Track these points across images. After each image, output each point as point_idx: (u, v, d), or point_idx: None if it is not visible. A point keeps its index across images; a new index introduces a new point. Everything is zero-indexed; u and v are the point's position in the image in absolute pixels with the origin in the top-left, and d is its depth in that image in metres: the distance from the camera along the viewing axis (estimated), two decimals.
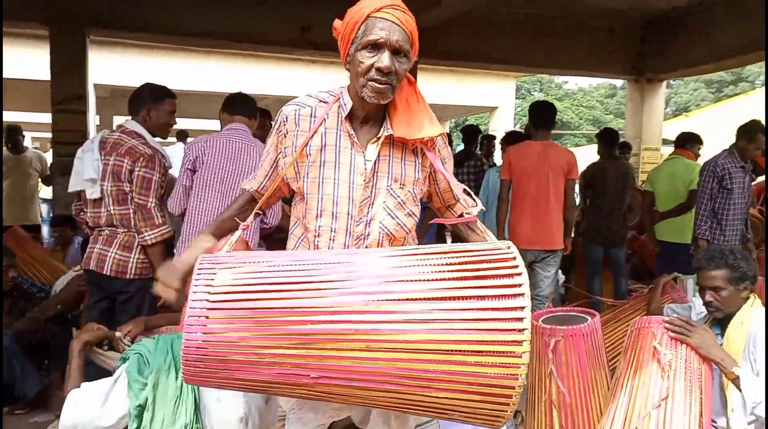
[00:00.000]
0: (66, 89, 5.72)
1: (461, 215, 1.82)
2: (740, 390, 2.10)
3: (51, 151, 6.61)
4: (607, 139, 5.42)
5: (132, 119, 3.01)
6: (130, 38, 7.43)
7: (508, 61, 7.71)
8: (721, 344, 2.34)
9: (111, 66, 8.93)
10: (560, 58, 7.64)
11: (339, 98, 1.67)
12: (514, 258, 1.34)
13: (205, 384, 1.45)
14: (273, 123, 1.76)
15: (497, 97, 12.26)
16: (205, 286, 1.32)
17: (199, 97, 11.09)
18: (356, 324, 1.28)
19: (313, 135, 1.64)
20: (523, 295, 1.27)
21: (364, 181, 1.64)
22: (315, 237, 1.66)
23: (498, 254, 1.36)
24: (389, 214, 1.67)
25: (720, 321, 2.46)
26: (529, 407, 2.64)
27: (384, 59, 1.52)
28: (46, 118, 12.28)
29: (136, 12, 5.88)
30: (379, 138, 1.65)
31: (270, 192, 1.78)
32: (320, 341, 1.29)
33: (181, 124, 12.60)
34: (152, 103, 3.00)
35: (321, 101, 1.69)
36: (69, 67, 5.74)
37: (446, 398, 1.32)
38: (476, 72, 10.48)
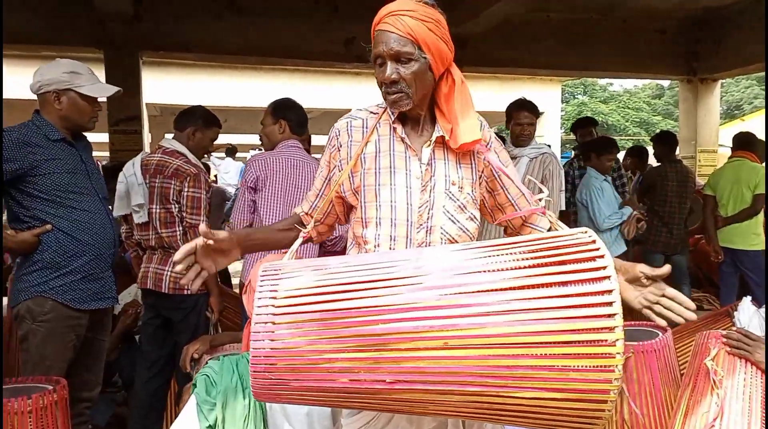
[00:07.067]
0: (122, 110, 5.88)
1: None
2: None
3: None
4: (666, 142, 5.27)
5: (174, 136, 3.11)
6: (177, 58, 7.61)
7: (553, 66, 7.60)
8: None
9: (161, 85, 9.15)
10: (608, 61, 7.49)
11: (387, 108, 1.66)
12: (594, 241, 1.25)
13: (275, 399, 1.36)
14: (327, 142, 1.74)
15: (543, 102, 11.98)
16: (270, 291, 1.27)
17: (246, 113, 11.28)
18: (431, 320, 1.19)
19: (366, 143, 1.64)
20: (609, 277, 1.17)
21: (421, 184, 1.60)
22: (375, 247, 1.61)
23: (575, 239, 1.27)
24: (450, 218, 1.61)
25: None
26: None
27: (385, 71, 1.53)
28: (96, 137, 12.76)
29: (182, 33, 6.01)
30: (431, 141, 1.62)
31: (322, 211, 1.74)
32: (393, 341, 1.21)
33: (230, 139, 12.88)
34: (201, 125, 3.11)
35: (371, 113, 1.70)
36: (124, 89, 5.89)
37: (533, 398, 1.20)
38: (520, 77, 10.33)
